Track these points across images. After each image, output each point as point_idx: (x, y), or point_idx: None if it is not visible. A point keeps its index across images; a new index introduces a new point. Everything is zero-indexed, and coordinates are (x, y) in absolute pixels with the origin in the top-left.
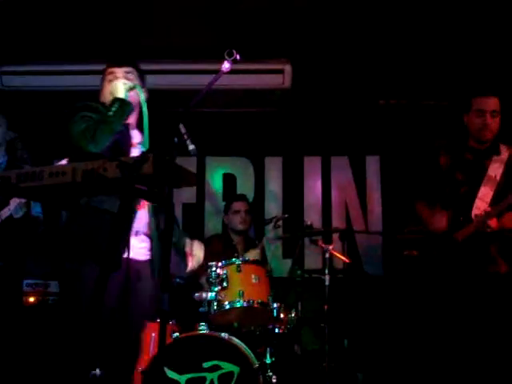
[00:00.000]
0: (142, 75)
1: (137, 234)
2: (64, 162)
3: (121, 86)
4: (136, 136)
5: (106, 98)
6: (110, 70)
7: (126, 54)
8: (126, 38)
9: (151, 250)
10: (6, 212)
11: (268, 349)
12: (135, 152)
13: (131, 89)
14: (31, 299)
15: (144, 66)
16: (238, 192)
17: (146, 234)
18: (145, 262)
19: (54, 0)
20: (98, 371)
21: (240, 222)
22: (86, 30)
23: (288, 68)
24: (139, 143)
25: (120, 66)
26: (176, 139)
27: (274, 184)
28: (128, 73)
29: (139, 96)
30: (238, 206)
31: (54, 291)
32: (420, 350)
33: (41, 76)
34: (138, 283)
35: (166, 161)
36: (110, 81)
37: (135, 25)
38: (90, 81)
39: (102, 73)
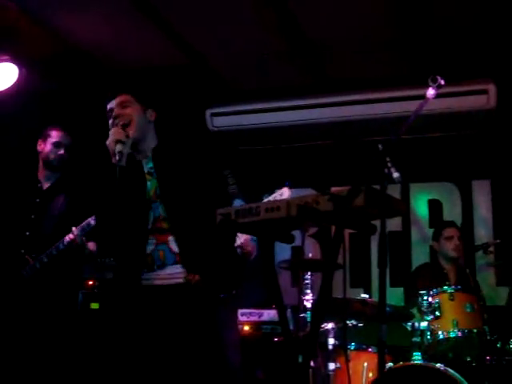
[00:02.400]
0: (143, 97)
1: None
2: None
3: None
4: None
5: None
6: (108, 107)
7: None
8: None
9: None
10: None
11: (486, 381)
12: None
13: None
14: (246, 328)
15: (341, 98)
16: (445, 218)
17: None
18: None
19: None
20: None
21: (453, 249)
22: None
23: (492, 88)
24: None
25: (113, 98)
26: (386, 170)
27: (483, 208)
28: (124, 102)
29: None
30: (451, 232)
31: (268, 320)
32: None
33: (247, 115)
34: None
35: (377, 192)
36: (110, 121)
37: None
38: (293, 116)
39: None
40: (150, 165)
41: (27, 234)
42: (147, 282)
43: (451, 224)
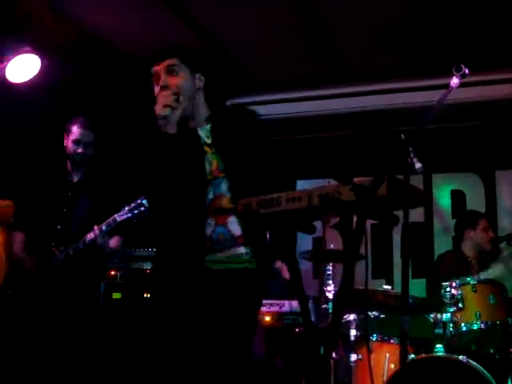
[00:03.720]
0: (192, 61)
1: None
2: None
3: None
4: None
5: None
6: (153, 70)
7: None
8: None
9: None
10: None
11: (509, 374)
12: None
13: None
14: (267, 318)
15: (363, 88)
16: (469, 209)
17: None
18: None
19: None
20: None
21: (488, 241)
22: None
23: None
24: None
25: (160, 61)
26: (409, 160)
27: (507, 199)
28: (171, 66)
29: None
30: (486, 223)
31: (289, 311)
32: None
33: (267, 105)
34: None
35: (400, 182)
36: (156, 86)
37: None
38: (314, 106)
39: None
40: (208, 135)
41: (58, 227)
42: (206, 265)
43: (485, 216)
